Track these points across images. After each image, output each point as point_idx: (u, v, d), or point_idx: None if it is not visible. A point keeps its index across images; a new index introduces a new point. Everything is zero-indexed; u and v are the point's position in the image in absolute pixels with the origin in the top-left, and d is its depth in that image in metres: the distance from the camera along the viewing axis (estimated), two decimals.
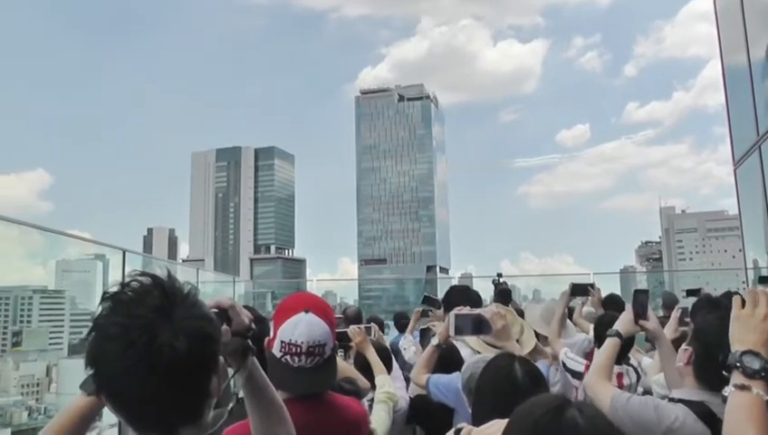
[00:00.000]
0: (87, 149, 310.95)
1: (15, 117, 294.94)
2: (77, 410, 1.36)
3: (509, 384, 2.09)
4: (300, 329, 1.92)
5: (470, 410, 2.64)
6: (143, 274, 1.16)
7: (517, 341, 3.13)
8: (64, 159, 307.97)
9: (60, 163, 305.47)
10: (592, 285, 4.64)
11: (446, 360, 3.17)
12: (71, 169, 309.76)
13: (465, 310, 3.04)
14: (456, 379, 2.82)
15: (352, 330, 3.48)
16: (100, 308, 1.13)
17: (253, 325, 1.40)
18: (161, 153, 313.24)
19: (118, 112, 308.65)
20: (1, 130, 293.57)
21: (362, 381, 3.38)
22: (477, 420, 2.17)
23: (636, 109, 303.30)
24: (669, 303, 6.33)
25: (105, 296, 1.14)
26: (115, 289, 1.14)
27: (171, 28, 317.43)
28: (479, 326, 2.95)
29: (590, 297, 4.71)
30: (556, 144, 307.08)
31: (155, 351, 1.06)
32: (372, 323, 4.66)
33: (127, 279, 1.15)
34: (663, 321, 3.27)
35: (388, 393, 3.05)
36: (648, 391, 3.26)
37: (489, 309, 2.99)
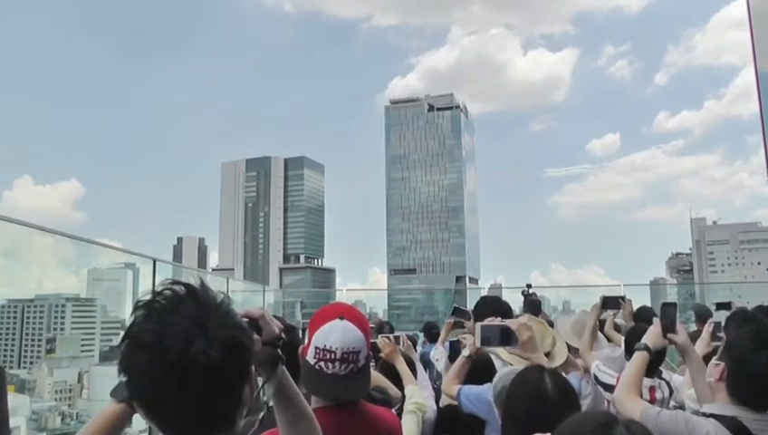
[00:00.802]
0: (119, 160, 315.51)
1: (50, 129, 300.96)
2: (108, 417, 1.36)
3: (539, 397, 2.08)
4: (334, 335, 1.92)
5: (498, 421, 2.64)
6: (176, 282, 1.17)
7: (549, 353, 3.11)
8: (97, 170, 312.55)
9: (92, 174, 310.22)
10: (623, 298, 4.60)
11: (480, 371, 3.14)
12: (103, 180, 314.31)
13: (497, 321, 3.04)
14: (487, 390, 2.80)
15: (382, 340, 3.49)
16: (133, 316, 1.15)
17: (283, 335, 1.40)
18: (192, 163, 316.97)
19: (149, 123, 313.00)
20: (37, 143, 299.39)
21: (393, 390, 3.40)
22: (507, 433, 2.17)
23: (667, 118, 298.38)
24: (703, 316, 6.22)
25: (138, 304, 1.15)
26: (148, 297, 1.15)
27: (201, 40, 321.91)
28: (505, 337, 2.91)
29: (621, 310, 4.64)
30: (586, 154, 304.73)
31: (189, 359, 1.07)
32: (402, 334, 4.68)
33: (159, 287, 1.16)
34: (696, 335, 3.23)
35: (418, 404, 3.03)
36: (680, 407, 3.22)
37: (516, 320, 2.98)
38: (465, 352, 3.14)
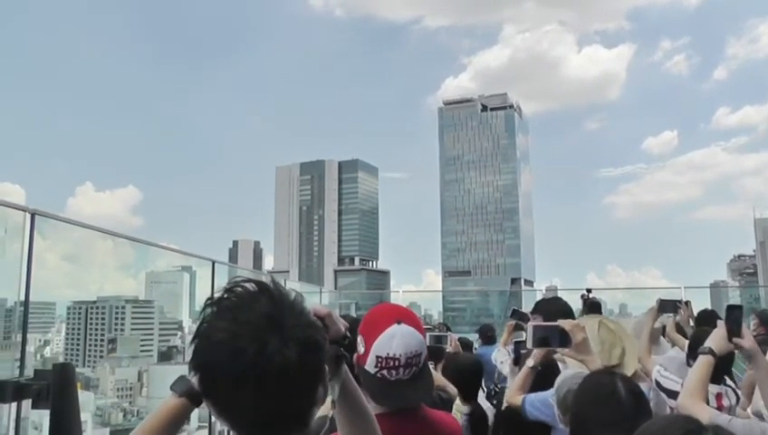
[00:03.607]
0: (175, 166, 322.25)
1: (108, 136, 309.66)
2: (168, 411, 1.32)
3: (613, 401, 2.00)
4: (396, 341, 1.85)
5: (561, 426, 2.57)
6: (247, 280, 1.15)
7: (619, 364, 3.00)
8: (153, 176, 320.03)
9: (149, 180, 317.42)
10: (683, 301, 4.46)
11: (550, 378, 3.06)
12: (159, 186, 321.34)
13: (547, 321, 2.97)
14: (551, 395, 2.73)
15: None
16: (202, 314, 1.13)
17: (348, 334, 1.38)
18: (246, 168, 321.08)
19: (204, 130, 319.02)
20: (97, 150, 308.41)
21: (451, 388, 3.43)
22: None
23: (727, 114, 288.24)
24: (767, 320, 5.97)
25: (209, 302, 1.13)
26: (218, 295, 1.13)
27: (254, 47, 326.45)
28: (558, 338, 2.80)
29: (679, 314, 4.48)
30: (642, 152, 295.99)
31: (266, 358, 1.05)
32: (449, 333, 4.68)
33: (229, 284, 1.14)
34: (759, 339, 3.10)
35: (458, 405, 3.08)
36: (758, 415, 3.10)
37: (569, 321, 2.89)
38: (530, 363, 3.02)
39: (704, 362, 2.33)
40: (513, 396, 3.06)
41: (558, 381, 2.68)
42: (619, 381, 2.08)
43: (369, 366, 1.87)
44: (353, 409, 1.43)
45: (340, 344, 1.34)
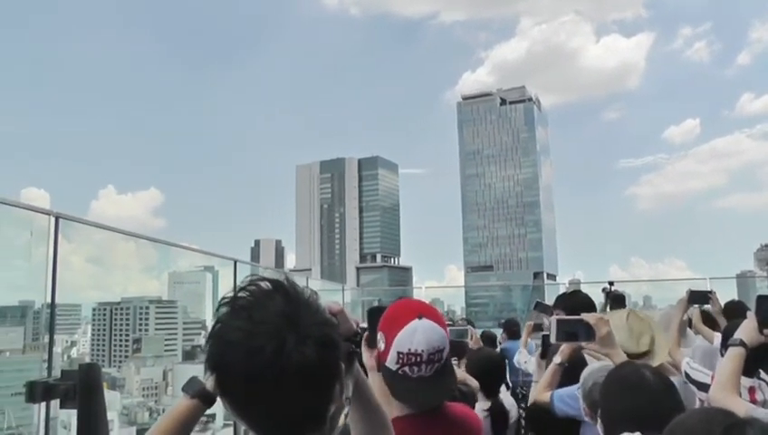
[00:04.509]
0: (195, 167, 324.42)
1: (129, 139, 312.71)
2: (180, 413, 1.32)
3: (644, 394, 1.96)
4: (418, 337, 1.79)
5: (586, 419, 2.54)
6: (261, 278, 1.14)
7: (647, 352, 2.95)
8: (174, 178, 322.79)
9: (170, 181, 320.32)
10: (712, 293, 4.38)
11: (578, 373, 3.01)
12: (180, 187, 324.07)
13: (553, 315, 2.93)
14: (577, 388, 2.70)
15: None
16: (216, 314, 1.11)
17: (359, 330, 1.39)
18: (266, 167, 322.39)
19: (223, 130, 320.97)
20: (117, 153, 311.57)
21: (471, 381, 3.40)
22: (609, 433, 2.03)
23: (751, 100, 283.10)
24: None
25: (222, 301, 1.12)
26: (232, 294, 1.12)
27: (271, 47, 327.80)
28: (583, 332, 2.71)
29: (709, 305, 4.38)
30: (663, 142, 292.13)
31: (284, 357, 1.04)
32: (469, 327, 4.67)
33: (242, 283, 1.13)
34: None
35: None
36: None
37: (593, 315, 2.83)
38: (557, 360, 2.98)
39: (735, 354, 2.27)
40: (540, 393, 3.02)
41: (584, 374, 2.65)
42: (647, 371, 2.03)
43: (391, 363, 1.82)
44: (366, 405, 1.43)
45: (351, 341, 1.33)
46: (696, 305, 4.43)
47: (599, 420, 2.11)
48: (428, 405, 1.91)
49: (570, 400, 2.82)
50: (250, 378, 1.05)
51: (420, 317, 1.82)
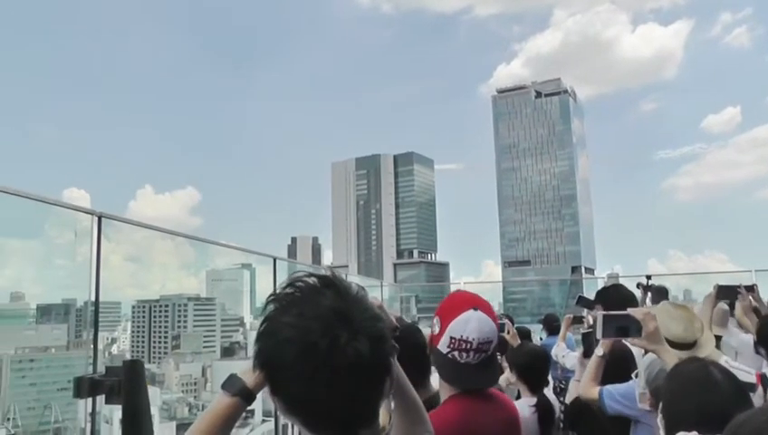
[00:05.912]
0: (231, 166, 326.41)
1: (165, 139, 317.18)
2: (221, 411, 1.30)
3: (710, 390, 1.87)
4: (471, 326, 1.98)
5: (641, 406, 2.50)
6: (309, 274, 1.13)
7: (696, 342, 2.90)
8: (210, 177, 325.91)
9: (207, 180, 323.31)
10: (742, 286, 4.13)
11: (623, 366, 2.93)
12: (217, 186, 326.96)
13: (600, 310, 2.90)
14: (634, 386, 2.66)
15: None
16: (265, 310, 1.11)
17: (398, 325, 1.40)
18: (302, 165, 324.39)
19: (258, 129, 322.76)
20: (154, 153, 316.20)
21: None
22: (672, 431, 1.93)
23: None
24: None
25: (270, 298, 1.11)
26: (279, 290, 1.12)
27: (305, 45, 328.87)
28: (630, 328, 2.67)
29: (739, 300, 4.10)
30: (702, 132, 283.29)
31: (338, 353, 1.03)
32: (506, 321, 4.65)
33: (290, 279, 1.12)
34: None
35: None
36: None
37: (640, 309, 2.77)
38: (599, 352, 2.94)
39: None
40: (587, 389, 2.95)
41: (645, 361, 2.61)
42: (713, 368, 1.94)
43: (442, 346, 2.02)
44: (405, 399, 1.46)
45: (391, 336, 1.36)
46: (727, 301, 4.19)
47: (659, 415, 2.03)
48: (474, 387, 2.07)
49: (622, 398, 2.76)
50: (304, 375, 1.04)
51: (476, 309, 2.01)
